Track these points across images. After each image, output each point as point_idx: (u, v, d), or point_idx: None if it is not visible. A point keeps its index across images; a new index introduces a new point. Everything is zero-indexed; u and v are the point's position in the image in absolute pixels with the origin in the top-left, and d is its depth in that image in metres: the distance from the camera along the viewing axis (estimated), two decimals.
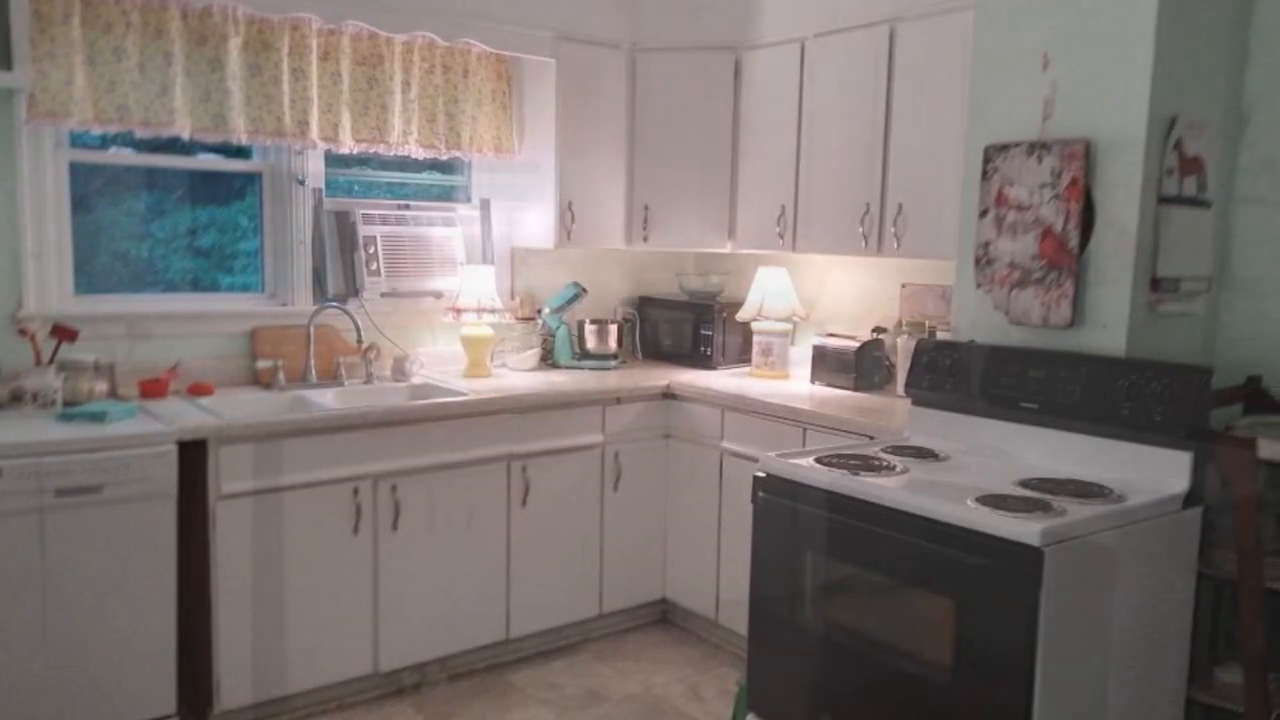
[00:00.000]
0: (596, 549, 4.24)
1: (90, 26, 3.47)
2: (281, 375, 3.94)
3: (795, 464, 2.95)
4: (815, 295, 4.64)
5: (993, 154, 3.13)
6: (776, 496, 2.97)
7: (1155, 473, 2.70)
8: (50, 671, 3.04)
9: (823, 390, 4.21)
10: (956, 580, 2.50)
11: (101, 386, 3.55)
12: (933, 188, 3.71)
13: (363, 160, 4.39)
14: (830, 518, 2.81)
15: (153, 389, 3.61)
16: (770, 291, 4.49)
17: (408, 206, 4.51)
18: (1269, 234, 3.00)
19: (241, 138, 3.78)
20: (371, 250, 4.32)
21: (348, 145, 4.07)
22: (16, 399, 3.36)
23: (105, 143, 3.80)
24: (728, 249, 4.68)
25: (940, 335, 3.73)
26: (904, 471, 2.87)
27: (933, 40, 3.71)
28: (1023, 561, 2.33)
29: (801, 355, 4.49)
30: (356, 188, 4.52)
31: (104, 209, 3.86)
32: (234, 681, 3.39)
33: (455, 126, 4.36)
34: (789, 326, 4.51)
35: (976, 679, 2.47)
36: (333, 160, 4.26)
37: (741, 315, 4.59)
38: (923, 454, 3.04)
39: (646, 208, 4.64)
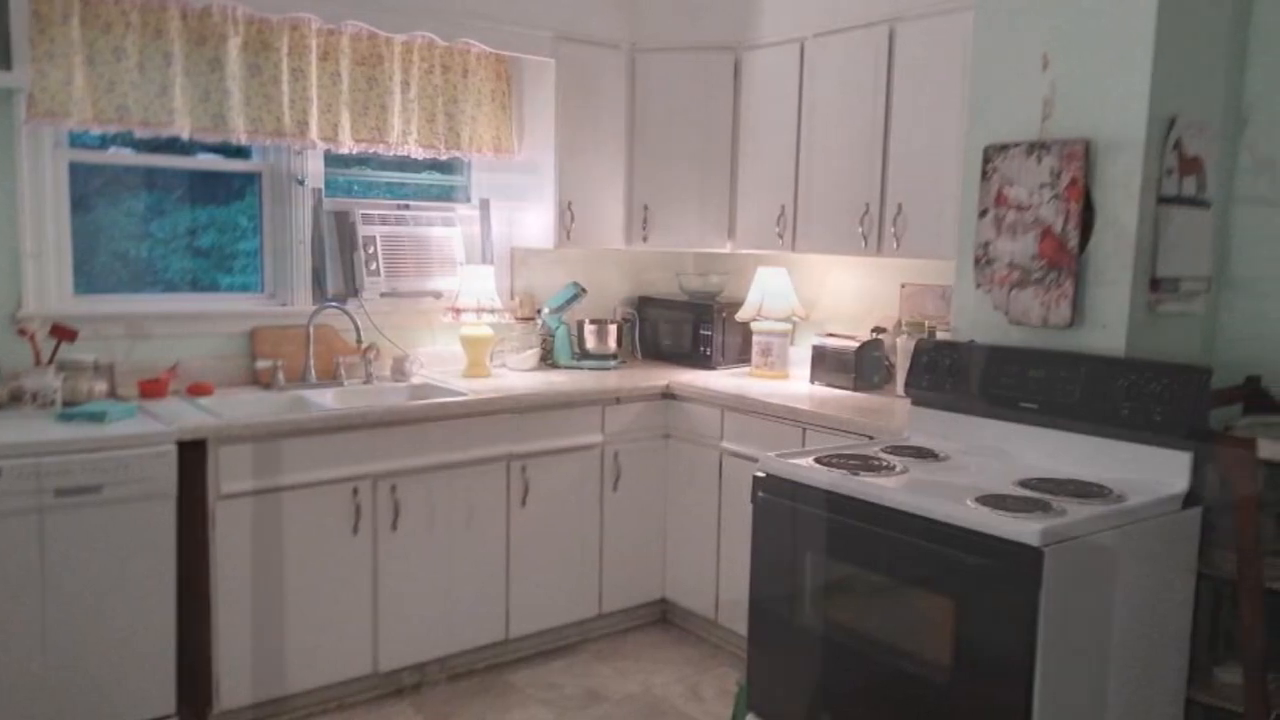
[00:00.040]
0: (596, 549, 4.24)
1: (90, 26, 3.47)
2: (281, 375, 3.94)
3: (795, 464, 2.95)
4: (815, 295, 4.65)
5: (992, 154, 3.13)
6: (776, 496, 2.97)
7: (1155, 473, 2.70)
8: (50, 671, 3.04)
9: (822, 390, 4.21)
10: (956, 580, 2.50)
11: (101, 386, 3.55)
12: (932, 188, 3.71)
13: (362, 160, 4.39)
14: (830, 518, 2.81)
15: (152, 389, 3.61)
16: (770, 291, 4.49)
17: (407, 206, 4.51)
18: (1268, 234, 3.00)
19: (241, 138, 3.78)
20: (371, 250, 4.32)
21: (347, 145, 4.07)
22: (16, 399, 3.36)
23: (105, 143, 3.80)
24: (727, 249, 4.68)
25: (940, 335, 3.73)
26: (904, 471, 2.87)
27: (932, 40, 3.71)
28: (1022, 561, 2.33)
29: (801, 355, 4.49)
30: (356, 188, 4.52)
31: (103, 209, 3.86)
32: (233, 681, 3.39)
33: (455, 126, 4.36)
34: (788, 326, 4.51)
35: (976, 679, 2.47)
36: (332, 160, 4.26)
37: (741, 315, 4.59)
38: (922, 454, 3.04)
39: (646, 208, 4.64)
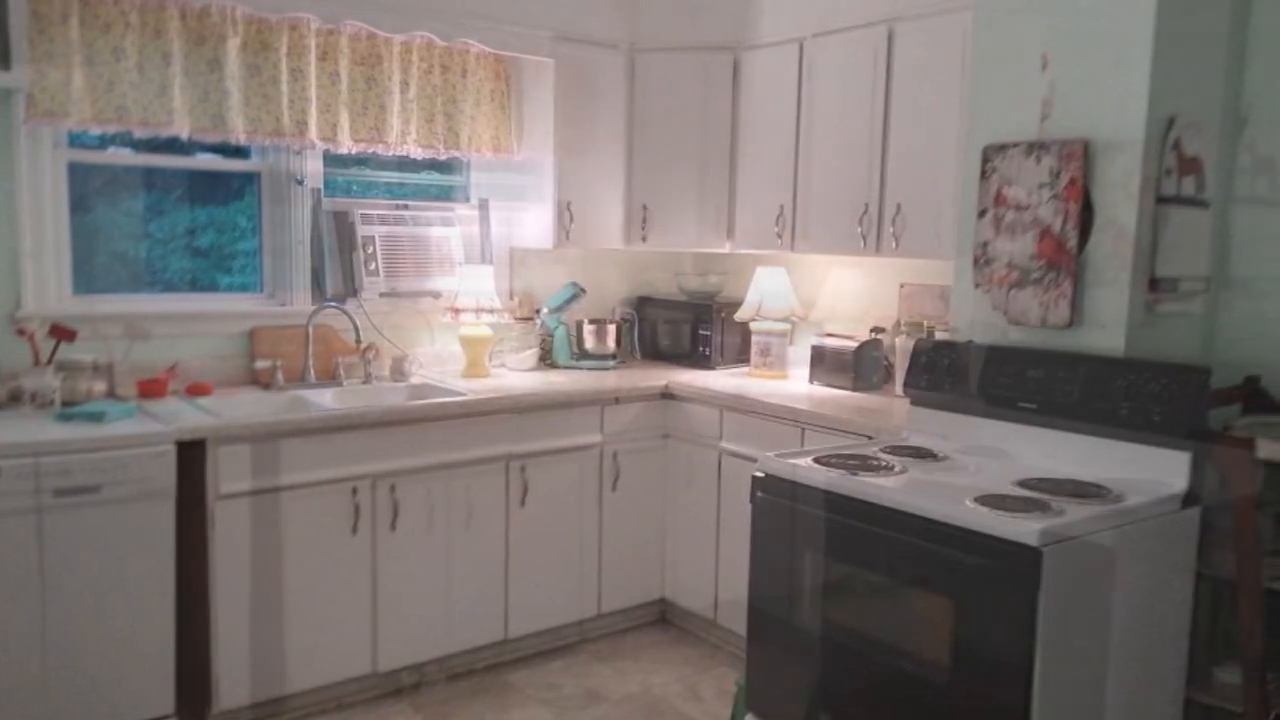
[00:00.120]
0: (595, 549, 4.24)
1: (89, 27, 3.47)
2: (280, 375, 3.94)
3: (794, 464, 2.95)
4: (814, 295, 4.65)
5: (991, 154, 3.13)
6: (775, 496, 2.97)
7: (1154, 473, 2.70)
8: (49, 671, 3.04)
9: (821, 390, 4.21)
10: (955, 580, 2.50)
11: (100, 386, 3.55)
12: (931, 188, 3.71)
13: (361, 160, 4.39)
14: (829, 518, 2.81)
15: (151, 389, 3.61)
16: (769, 291, 4.49)
17: (406, 206, 4.51)
18: (1267, 234, 3.00)
19: (240, 138, 3.78)
20: (370, 250, 4.32)
21: (346, 145, 4.07)
22: (15, 399, 3.35)
23: (104, 143, 3.80)
24: (726, 249, 4.68)
25: (939, 335, 3.74)
26: (902, 471, 2.87)
27: (931, 40, 3.71)
28: (1021, 561, 2.33)
29: (800, 355, 4.49)
30: (355, 188, 4.52)
31: (102, 209, 3.85)
32: (233, 681, 3.39)
33: (454, 126, 4.36)
34: (787, 326, 4.51)
35: (975, 679, 2.48)
36: (331, 160, 4.26)
37: (740, 315, 4.59)
38: (921, 454, 3.04)
39: (645, 208, 4.64)
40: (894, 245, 3.89)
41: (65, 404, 3.39)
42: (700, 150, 4.59)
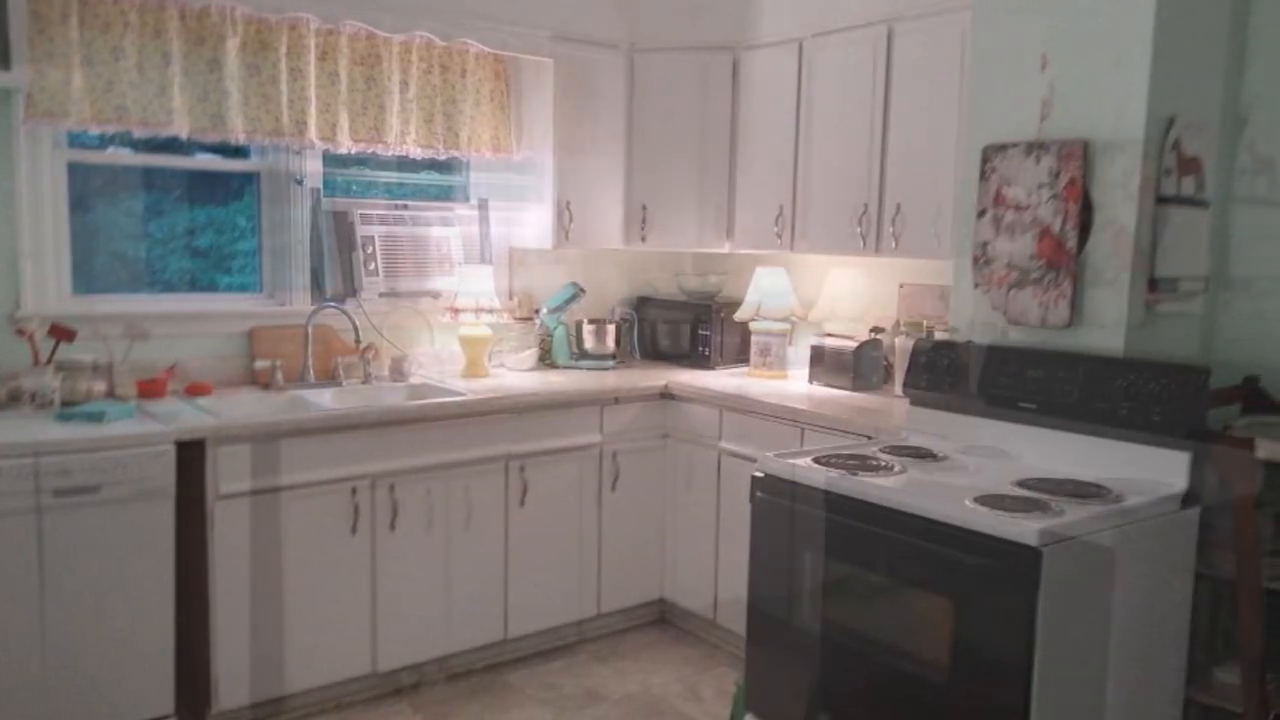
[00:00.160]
0: (594, 549, 4.24)
1: (88, 26, 3.47)
2: (279, 375, 3.94)
3: (793, 464, 2.95)
4: (813, 295, 4.64)
5: (991, 154, 3.13)
6: (774, 496, 2.97)
7: (1153, 473, 2.70)
8: (48, 671, 3.03)
9: (821, 390, 4.21)
10: (954, 580, 2.50)
11: (99, 386, 3.54)
12: (931, 188, 3.71)
13: (361, 160, 4.39)
14: (828, 518, 2.81)
15: (151, 389, 3.61)
16: (768, 291, 4.49)
17: (406, 206, 4.51)
18: (1267, 234, 3.00)
19: (239, 137, 3.78)
20: (369, 250, 4.32)
21: (346, 145, 4.07)
22: (14, 399, 3.35)
23: (103, 143, 3.80)
24: (726, 249, 4.68)
25: (938, 335, 3.74)
26: (902, 471, 2.87)
27: (931, 40, 3.71)
28: (1021, 561, 2.33)
29: (800, 355, 4.49)
30: (354, 188, 4.51)
31: (102, 209, 3.85)
32: (232, 681, 3.39)
33: (453, 126, 4.36)
34: (787, 326, 4.51)
35: (975, 679, 2.48)
36: (331, 160, 4.26)
37: (739, 315, 4.59)
38: (921, 454, 3.04)
39: (644, 208, 4.64)
40: (893, 245, 3.89)
41: (65, 404, 3.39)
42: (700, 150, 4.59)
